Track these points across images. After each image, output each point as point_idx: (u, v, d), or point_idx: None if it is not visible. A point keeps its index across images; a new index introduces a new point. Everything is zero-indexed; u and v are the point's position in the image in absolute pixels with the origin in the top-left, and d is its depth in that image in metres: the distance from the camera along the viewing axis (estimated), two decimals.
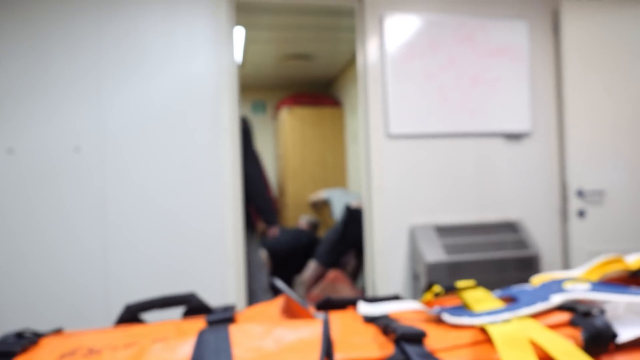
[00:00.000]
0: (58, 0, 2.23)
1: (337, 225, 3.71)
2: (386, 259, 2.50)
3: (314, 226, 4.31)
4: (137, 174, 2.30)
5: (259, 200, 2.70)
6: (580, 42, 2.68)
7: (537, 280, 1.08)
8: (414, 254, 2.49)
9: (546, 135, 2.72)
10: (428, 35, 2.56)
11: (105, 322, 2.24)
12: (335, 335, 0.91)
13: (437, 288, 1.08)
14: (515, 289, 1.05)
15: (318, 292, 3.49)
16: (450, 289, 1.03)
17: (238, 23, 2.61)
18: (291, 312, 1.03)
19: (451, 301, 1.08)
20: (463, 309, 0.99)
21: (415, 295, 2.47)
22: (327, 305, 1.14)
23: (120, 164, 2.28)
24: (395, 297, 1.12)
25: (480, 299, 0.98)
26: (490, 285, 2.33)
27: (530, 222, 2.65)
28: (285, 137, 5.01)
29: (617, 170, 2.66)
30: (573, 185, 2.64)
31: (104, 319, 2.25)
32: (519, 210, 2.67)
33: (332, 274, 3.58)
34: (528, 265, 2.47)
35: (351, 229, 3.50)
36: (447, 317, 0.92)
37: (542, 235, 2.65)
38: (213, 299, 2.33)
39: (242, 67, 4.66)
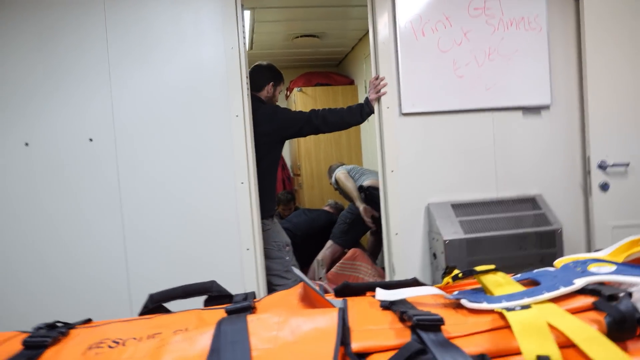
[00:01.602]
0: None
1: (352, 206, 3.70)
2: (404, 239, 2.48)
3: (339, 209, 4.33)
4: (149, 162, 2.31)
5: (330, 125, 2.64)
6: (601, 10, 2.56)
7: (559, 262, 1.05)
8: (432, 233, 2.47)
9: (566, 107, 2.64)
10: (440, 10, 2.48)
11: (126, 308, 2.29)
12: (352, 322, 0.90)
13: (456, 271, 1.06)
14: (537, 271, 1.02)
15: (336, 269, 3.51)
16: (470, 273, 1.01)
17: (245, 5, 2.56)
18: (309, 300, 1.03)
19: (470, 285, 1.07)
20: (482, 293, 0.97)
21: (434, 274, 2.46)
22: (345, 291, 1.14)
23: (133, 153, 2.29)
24: (414, 281, 1.10)
25: (500, 282, 0.96)
26: (510, 262, 2.32)
27: (551, 197, 2.59)
28: None
29: None
30: (595, 158, 2.57)
31: (126, 305, 2.29)
32: (538, 186, 2.61)
33: (352, 252, 3.59)
34: (549, 241, 2.43)
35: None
36: (465, 302, 0.91)
37: (563, 211, 2.59)
38: (232, 284, 2.35)
39: (251, 49, 4.61)
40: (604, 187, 2.58)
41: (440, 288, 1.10)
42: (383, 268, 3.85)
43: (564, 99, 2.63)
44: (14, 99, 2.20)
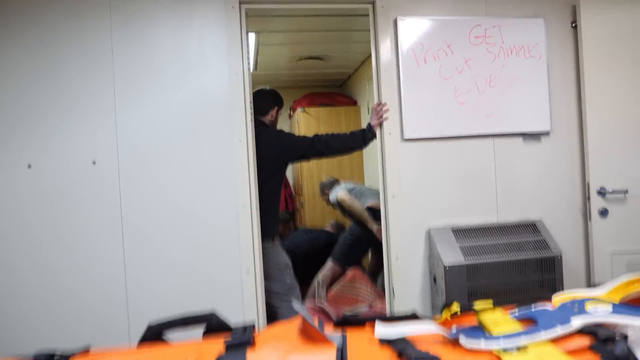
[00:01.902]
0: (71, 20, 2.27)
1: (353, 226, 3.72)
2: (404, 263, 2.49)
3: (340, 228, 4.34)
4: (152, 186, 2.33)
5: (333, 150, 2.66)
6: (599, 38, 2.61)
7: (557, 299, 1.06)
8: (432, 257, 2.48)
9: (566, 133, 2.67)
10: (442, 38, 2.53)
11: (126, 327, 2.29)
12: (350, 357, 0.92)
13: (455, 307, 1.07)
14: (535, 309, 1.03)
15: (337, 291, 3.51)
16: (468, 309, 1.02)
17: (250, 28, 2.61)
18: (308, 334, 1.04)
19: (469, 320, 1.08)
20: (480, 330, 0.98)
21: (434, 297, 2.46)
22: (345, 322, 1.15)
23: (136, 177, 2.32)
24: (413, 315, 1.11)
25: (498, 321, 0.98)
26: (510, 287, 2.32)
27: (551, 222, 2.60)
28: None
29: None
30: (595, 184, 2.59)
31: (126, 324, 2.30)
32: (539, 211, 2.63)
33: (352, 272, 3.59)
34: (549, 267, 2.43)
35: (368, 230, 3.50)
36: (463, 341, 0.92)
37: (563, 236, 2.61)
38: (232, 306, 2.36)
39: (255, 69, 4.67)
40: (603, 213, 2.59)
41: (439, 322, 1.11)
42: (383, 289, 3.85)
43: (564, 125, 2.67)
44: (19, 122, 2.23)
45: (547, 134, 2.65)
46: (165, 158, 2.35)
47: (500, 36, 2.60)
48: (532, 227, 2.57)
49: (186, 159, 2.36)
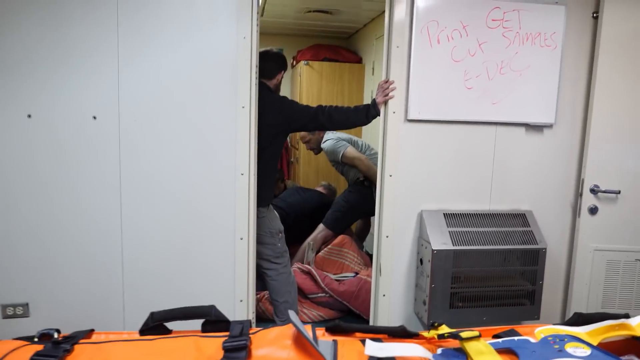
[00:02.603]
0: None
1: (348, 193, 3.74)
2: (394, 242, 2.55)
3: (332, 191, 4.36)
4: (152, 144, 2.31)
5: (337, 124, 2.68)
6: (619, 32, 2.54)
7: (540, 331, 1.12)
8: (421, 239, 2.55)
9: (569, 128, 2.66)
10: (458, 18, 2.45)
11: (121, 273, 2.35)
12: None
13: (443, 329, 1.12)
14: (518, 340, 1.09)
15: (324, 253, 3.61)
16: (455, 337, 1.07)
17: None
18: (302, 343, 1.09)
19: (453, 343, 1.13)
20: (464, 358, 1.04)
21: (419, 279, 2.55)
22: (337, 329, 1.20)
23: (136, 134, 2.29)
24: (402, 330, 1.17)
25: (482, 351, 1.03)
26: (493, 274, 2.40)
27: (541, 214, 2.66)
28: (302, 91, 4.94)
29: (635, 172, 2.63)
30: (589, 182, 2.62)
31: (120, 271, 2.36)
32: (530, 202, 2.67)
33: (341, 238, 3.68)
34: (533, 259, 2.52)
35: (364, 202, 3.55)
36: None
37: (550, 229, 2.67)
38: (224, 270, 2.43)
39: (262, 16, 4.51)
40: (593, 210, 2.65)
41: (426, 339, 1.17)
42: (367, 253, 3.96)
43: (568, 119, 2.66)
44: (19, 69, 2.16)
45: (550, 126, 2.64)
46: (166, 117, 2.31)
47: (519, 21, 2.52)
48: (521, 218, 2.63)
49: (187, 120, 2.33)
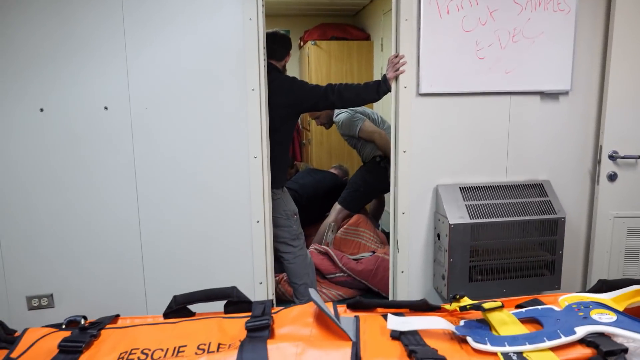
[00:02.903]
0: None
1: (365, 173, 3.70)
2: (410, 218, 2.54)
3: (344, 172, 4.34)
4: (164, 132, 2.33)
5: (347, 101, 2.66)
6: None
7: (564, 299, 1.11)
8: (438, 214, 2.53)
9: (585, 94, 2.60)
10: None
11: (141, 266, 2.39)
12: (363, 352, 0.98)
13: (465, 301, 1.12)
14: (542, 308, 1.08)
15: (341, 235, 3.61)
16: (478, 309, 1.07)
17: None
18: (323, 320, 1.09)
19: (476, 313, 1.13)
20: (487, 329, 1.03)
21: (437, 253, 2.55)
22: (358, 305, 1.21)
23: (148, 123, 2.31)
24: (424, 303, 1.17)
25: (505, 321, 1.02)
26: (511, 245, 2.38)
27: (559, 183, 2.62)
28: (310, 72, 4.89)
29: None
30: (607, 148, 2.56)
31: (140, 263, 2.40)
32: (548, 172, 2.63)
33: (356, 217, 3.67)
34: (552, 229, 2.49)
35: (380, 180, 3.52)
36: (471, 342, 0.97)
37: (569, 198, 2.64)
38: (242, 254, 2.45)
39: None
40: (612, 177, 2.60)
41: (448, 312, 1.16)
42: (384, 231, 3.96)
43: (584, 85, 2.59)
44: (30, 66, 2.18)
45: (566, 93, 2.58)
46: (176, 104, 2.32)
47: None
48: (539, 188, 2.59)
49: (197, 105, 2.33)
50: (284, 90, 2.56)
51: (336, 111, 3.63)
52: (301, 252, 2.85)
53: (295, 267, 2.83)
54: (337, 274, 3.28)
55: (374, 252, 3.40)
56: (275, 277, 2.96)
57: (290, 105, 2.59)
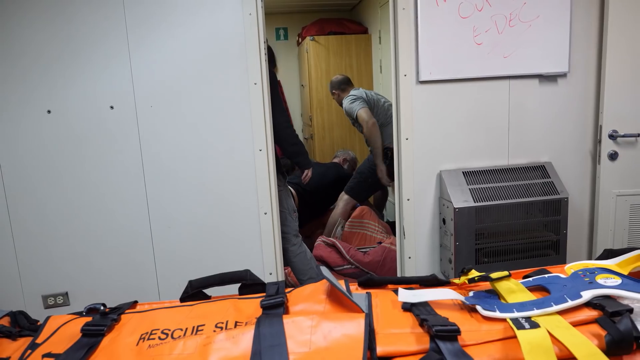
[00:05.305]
0: None
1: (372, 163, 3.72)
2: (415, 204, 2.57)
3: (351, 161, 4.33)
4: (170, 129, 2.36)
5: (290, 147, 2.75)
6: None
7: (570, 267, 1.14)
8: (442, 199, 2.56)
9: (583, 75, 2.62)
10: None
11: (152, 263, 2.43)
12: (376, 323, 1.01)
13: (473, 274, 1.15)
14: (549, 276, 1.11)
15: (347, 228, 3.64)
16: (485, 279, 1.10)
17: None
18: (336, 296, 1.13)
19: (484, 285, 1.16)
20: (496, 298, 1.07)
21: (442, 238, 2.58)
22: (369, 283, 1.24)
23: (154, 120, 2.34)
24: (434, 278, 1.20)
25: (513, 289, 1.06)
26: (516, 227, 2.41)
27: (560, 164, 2.65)
28: (310, 67, 4.92)
29: None
30: (607, 127, 2.59)
31: (152, 260, 2.44)
32: (549, 153, 2.66)
33: (360, 209, 3.71)
34: (555, 209, 2.52)
35: (388, 170, 3.55)
36: (480, 310, 1.01)
37: (571, 179, 2.67)
38: (251, 246, 2.49)
39: None
40: (613, 156, 2.62)
41: (457, 285, 1.20)
42: (388, 222, 3.99)
43: (582, 66, 2.62)
44: (35, 67, 2.22)
45: (564, 75, 2.61)
46: (180, 101, 2.35)
47: None
48: (541, 170, 2.62)
49: (201, 101, 2.36)
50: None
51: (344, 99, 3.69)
52: (301, 248, 2.92)
53: (298, 264, 2.90)
54: (345, 266, 3.32)
55: (380, 243, 3.43)
56: (284, 269, 3.00)
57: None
